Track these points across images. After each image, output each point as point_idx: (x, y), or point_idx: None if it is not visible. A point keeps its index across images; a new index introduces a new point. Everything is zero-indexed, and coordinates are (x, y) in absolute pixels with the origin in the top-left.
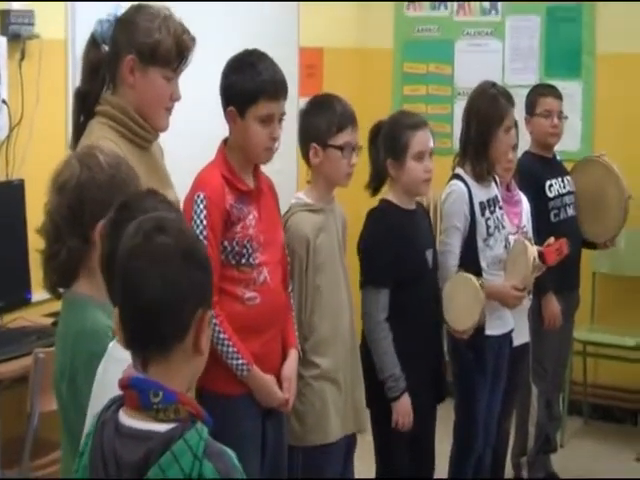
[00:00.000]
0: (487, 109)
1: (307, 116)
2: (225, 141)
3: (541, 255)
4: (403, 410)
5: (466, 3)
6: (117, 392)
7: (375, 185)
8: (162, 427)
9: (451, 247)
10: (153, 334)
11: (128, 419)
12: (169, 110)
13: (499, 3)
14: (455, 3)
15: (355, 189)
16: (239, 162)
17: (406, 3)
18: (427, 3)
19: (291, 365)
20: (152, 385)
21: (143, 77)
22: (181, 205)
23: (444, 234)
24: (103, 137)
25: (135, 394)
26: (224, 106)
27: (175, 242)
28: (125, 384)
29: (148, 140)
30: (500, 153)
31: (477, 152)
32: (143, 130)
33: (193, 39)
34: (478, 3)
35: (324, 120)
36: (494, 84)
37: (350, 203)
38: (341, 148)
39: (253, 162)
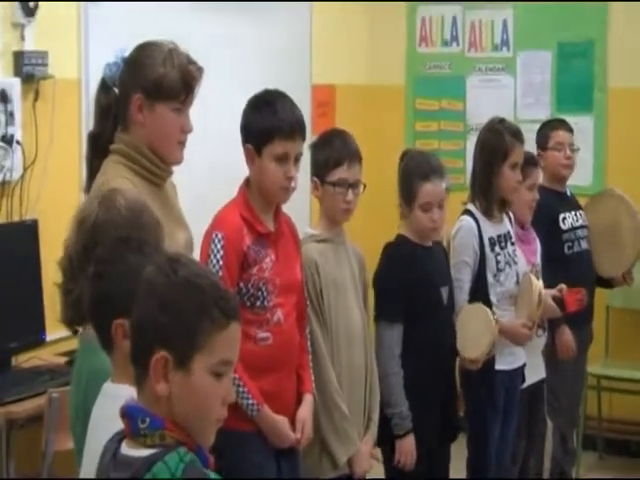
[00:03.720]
0: (492, 144)
1: (312, 150)
2: (247, 181)
3: (561, 301)
4: (407, 449)
5: (477, 39)
6: (110, 428)
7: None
8: (147, 452)
9: (460, 282)
10: (132, 355)
11: (126, 448)
12: (182, 143)
13: (510, 39)
14: (467, 39)
15: (371, 223)
16: (259, 203)
17: (417, 40)
18: (439, 39)
19: (306, 408)
20: (140, 412)
21: (152, 114)
22: (196, 243)
23: (454, 269)
24: (118, 175)
25: (127, 421)
26: (243, 144)
27: (169, 282)
28: (122, 412)
29: (162, 177)
30: (507, 189)
31: (483, 187)
32: (157, 167)
33: (199, 69)
34: (490, 39)
35: (323, 155)
36: (502, 120)
37: (367, 238)
38: (334, 184)
39: (270, 201)
